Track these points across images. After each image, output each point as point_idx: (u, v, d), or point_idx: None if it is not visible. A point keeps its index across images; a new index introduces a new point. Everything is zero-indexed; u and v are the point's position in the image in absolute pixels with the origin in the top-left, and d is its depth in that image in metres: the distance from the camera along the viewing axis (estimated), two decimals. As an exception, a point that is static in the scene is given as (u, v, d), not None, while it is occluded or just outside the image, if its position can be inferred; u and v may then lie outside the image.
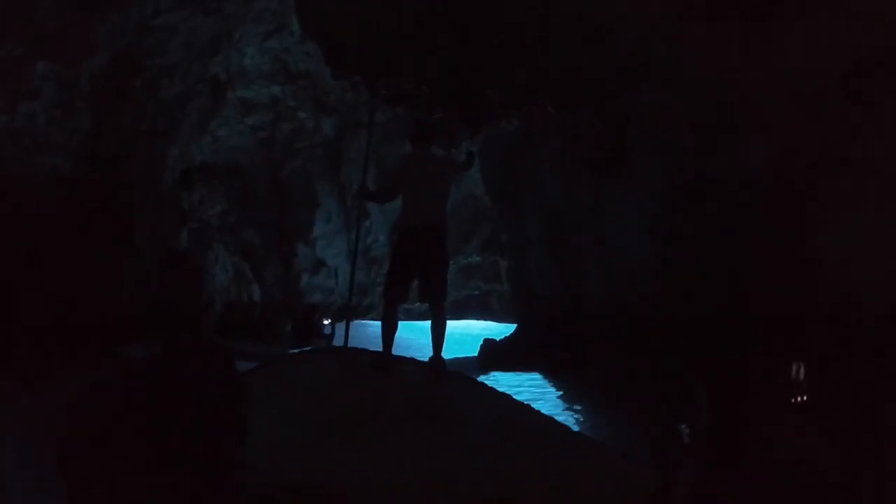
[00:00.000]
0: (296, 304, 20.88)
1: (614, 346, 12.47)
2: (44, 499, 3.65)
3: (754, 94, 9.27)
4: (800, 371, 3.61)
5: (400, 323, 7.53)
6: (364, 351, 7.96)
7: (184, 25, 14.53)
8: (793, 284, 8.67)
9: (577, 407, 12.02)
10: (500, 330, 19.94)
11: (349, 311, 9.25)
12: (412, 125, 8.01)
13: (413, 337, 9.54)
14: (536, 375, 14.56)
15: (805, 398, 3.58)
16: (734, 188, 9.95)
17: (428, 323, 7.42)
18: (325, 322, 16.60)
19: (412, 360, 7.76)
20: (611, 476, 5.60)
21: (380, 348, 7.40)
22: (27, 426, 6.07)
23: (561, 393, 13.12)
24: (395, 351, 7.40)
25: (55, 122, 13.16)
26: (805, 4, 8.67)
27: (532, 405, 7.76)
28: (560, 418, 9.60)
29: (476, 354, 16.53)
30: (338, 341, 11.91)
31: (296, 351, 11.77)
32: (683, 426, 3.71)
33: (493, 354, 16.29)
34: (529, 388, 13.27)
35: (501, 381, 13.07)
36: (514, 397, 7.79)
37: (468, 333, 19.14)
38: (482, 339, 17.30)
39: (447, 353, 7.31)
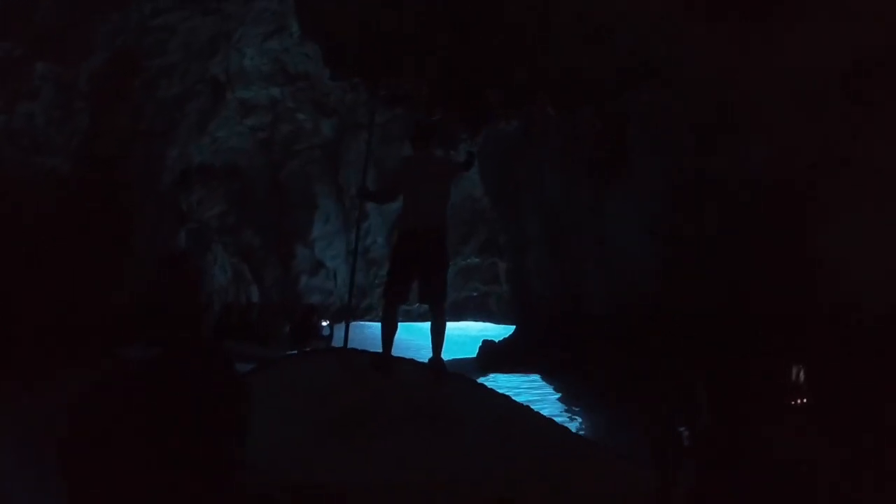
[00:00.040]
0: (294, 306, 20.86)
1: (614, 346, 12.46)
2: (44, 499, 3.64)
3: (754, 94, 9.27)
4: (800, 374, 3.61)
5: (399, 324, 7.53)
6: (364, 352, 7.96)
7: (183, 26, 14.54)
8: (793, 284, 8.67)
9: (577, 407, 12.03)
10: (498, 331, 19.93)
11: (349, 313, 9.23)
12: (412, 126, 8.00)
13: (412, 338, 9.52)
14: (535, 376, 14.56)
15: (805, 401, 3.58)
16: (734, 188, 9.95)
17: (426, 324, 7.41)
18: (324, 323, 16.59)
19: (412, 360, 7.75)
20: (611, 476, 5.60)
21: (379, 349, 7.40)
22: (27, 426, 6.06)
23: (560, 394, 13.12)
24: (394, 352, 7.39)
25: (54, 123, 13.17)
26: (805, 4, 8.67)
27: (531, 406, 7.76)
28: (560, 419, 9.62)
29: (475, 356, 16.52)
30: (337, 342, 11.91)
31: (294, 353, 11.75)
32: (683, 428, 3.71)
33: (492, 356, 16.28)
34: (529, 389, 13.27)
35: (500, 382, 13.06)
36: (514, 398, 7.78)
37: (467, 335, 19.12)
38: (481, 341, 17.29)
39: (446, 355, 7.30)
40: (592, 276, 14.75)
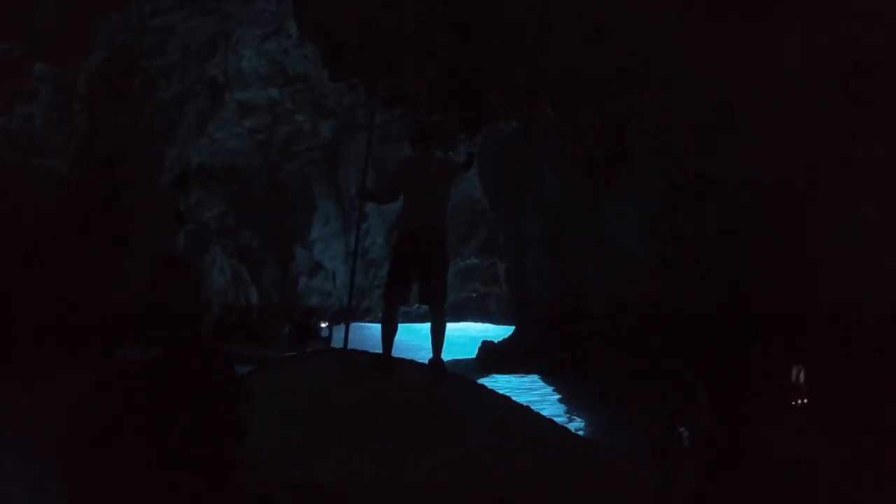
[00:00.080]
0: (293, 307, 20.88)
1: (614, 346, 12.46)
2: (44, 499, 3.64)
3: (754, 94, 9.27)
4: (800, 375, 3.61)
5: (399, 325, 7.52)
6: (364, 352, 7.95)
7: (182, 26, 14.55)
8: (793, 284, 8.66)
9: (577, 407, 12.02)
10: (497, 332, 19.93)
11: (349, 314, 9.22)
12: (412, 127, 8.00)
13: (411, 339, 9.52)
14: (535, 377, 14.56)
15: (805, 401, 3.58)
16: (734, 188, 9.95)
17: (425, 326, 7.41)
18: (323, 325, 16.60)
19: (412, 361, 7.75)
20: (611, 476, 5.60)
21: (379, 350, 7.39)
22: (27, 426, 6.06)
23: (560, 394, 13.12)
24: (394, 353, 7.38)
25: (52, 125, 13.17)
26: (805, 4, 8.67)
27: (531, 406, 7.76)
28: (560, 419, 9.62)
29: (474, 356, 16.52)
30: (336, 344, 11.91)
31: (293, 354, 11.74)
32: (683, 428, 3.71)
33: (492, 356, 16.28)
34: (528, 390, 13.27)
35: (500, 382, 13.07)
36: (514, 398, 7.78)
37: (466, 335, 19.13)
38: (480, 342, 17.29)
39: (445, 356, 7.30)
40: (592, 276, 14.75)
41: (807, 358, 3.69)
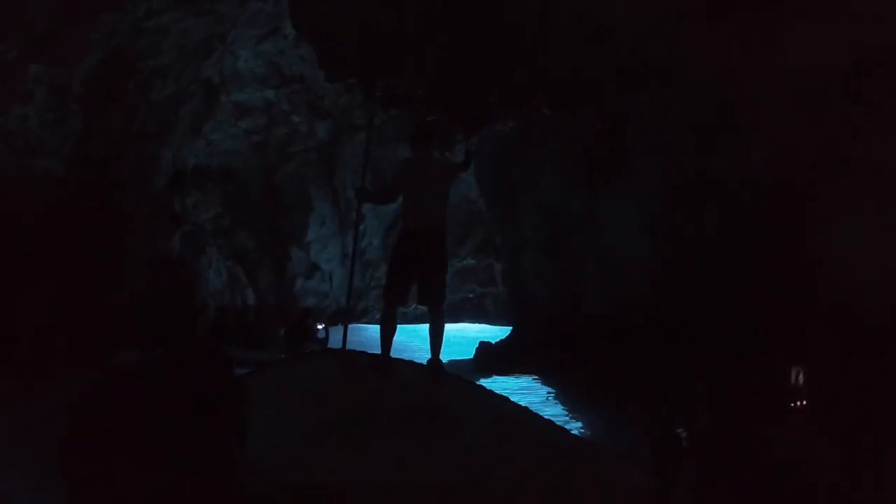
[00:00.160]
0: (290, 309, 20.87)
1: (614, 346, 12.46)
2: (44, 499, 3.63)
3: (754, 94, 9.26)
4: (799, 376, 3.61)
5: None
6: (362, 353, 7.95)
7: (175, 27, 14.56)
8: (793, 285, 8.66)
9: (576, 407, 12.01)
10: (495, 333, 19.91)
11: (347, 315, 9.20)
12: (411, 127, 8.00)
13: (408, 340, 9.51)
14: (533, 377, 14.55)
15: (805, 402, 3.58)
16: (734, 188, 9.95)
17: (423, 326, 7.41)
18: (319, 326, 16.59)
19: (410, 361, 7.75)
20: (611, 476, 5.61)
21: (376, 351, 7.39)
22: (27, 426, 6.06)
23: (559, 395, 13.11)
24: (392, 354, 7.38)
25: (48, 126, 13.18)
26: (805, 4, 8.66)
27: (530, 407, 7.76)
28: (559, 419, 9.61)
29: (472, 357, 16.50)
30: (333, 345, 11.90)
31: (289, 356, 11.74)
32: (683, 428, 3.71)
33: (490, 357, 16.26)
34: (527, 390, 13.27)
35: (498, 383, 13.06)
36: (512, 399, 7.78)
37: (463, 336, 19.12)
38: (478, 342, 17.27)
39: (443, 356, 7.30)
40: (592, 277, 14.74)
41: (807, 358, 3.70)
